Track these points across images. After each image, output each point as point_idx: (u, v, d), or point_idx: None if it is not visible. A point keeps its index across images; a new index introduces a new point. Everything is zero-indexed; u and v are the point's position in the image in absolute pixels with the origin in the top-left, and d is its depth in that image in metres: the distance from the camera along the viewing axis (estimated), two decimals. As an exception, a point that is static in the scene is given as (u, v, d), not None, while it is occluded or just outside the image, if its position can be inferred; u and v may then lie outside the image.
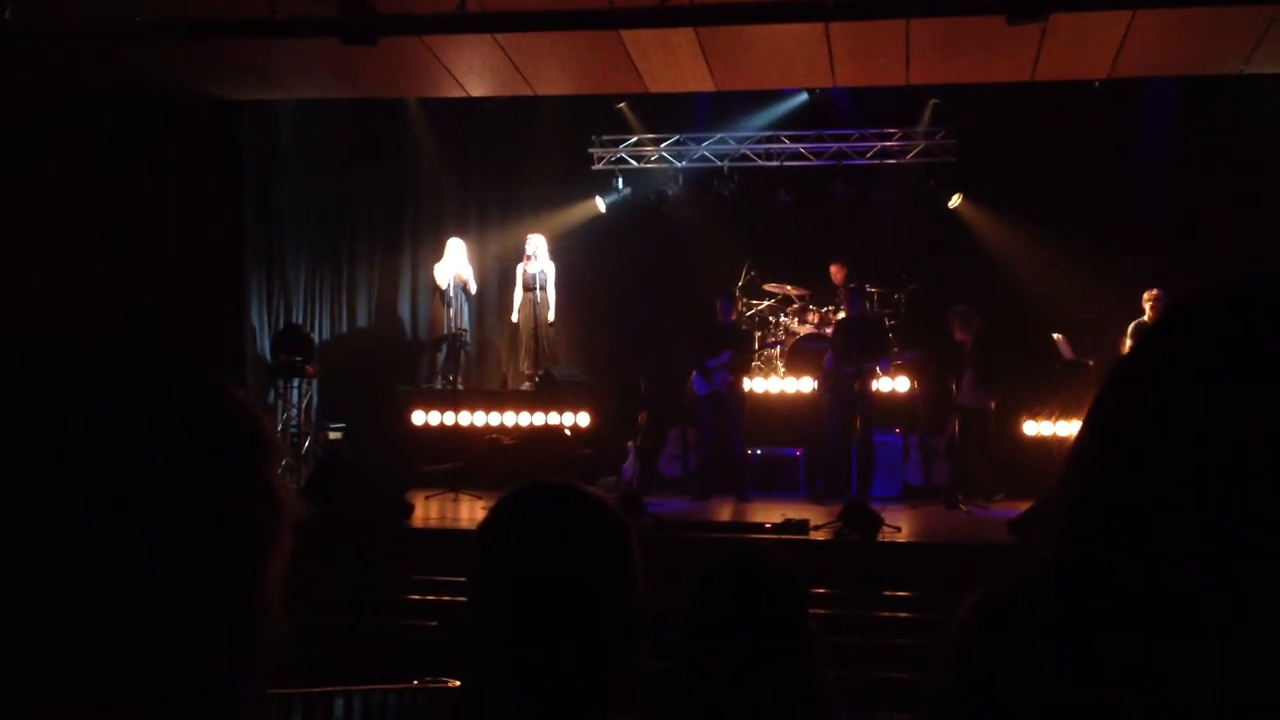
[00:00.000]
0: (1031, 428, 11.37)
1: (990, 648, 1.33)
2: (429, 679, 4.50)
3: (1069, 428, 11.02)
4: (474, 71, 10.96)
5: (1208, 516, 0.58)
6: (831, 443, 11.19)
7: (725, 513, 10.55)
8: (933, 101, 12.96)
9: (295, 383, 12.16)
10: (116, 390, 0.83)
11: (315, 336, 12.98)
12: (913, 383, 12.09)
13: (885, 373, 11.67)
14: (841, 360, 11.00)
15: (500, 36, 9.84)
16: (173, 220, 11.39)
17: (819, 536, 8.95)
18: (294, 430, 12.09)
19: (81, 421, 0.80)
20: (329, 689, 4.27)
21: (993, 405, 11.14)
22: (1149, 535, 0.60)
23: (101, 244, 10.94)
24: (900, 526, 9.23)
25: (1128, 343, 10.77)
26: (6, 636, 0.76)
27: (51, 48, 9.70)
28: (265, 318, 12.84)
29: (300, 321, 13.05)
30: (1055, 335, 11.55)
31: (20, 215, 9.88)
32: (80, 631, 0.77)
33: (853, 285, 11.81)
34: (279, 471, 0.88)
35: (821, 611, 7.43)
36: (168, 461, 0.81)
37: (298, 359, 12.03)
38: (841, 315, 11.90)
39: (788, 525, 9.05)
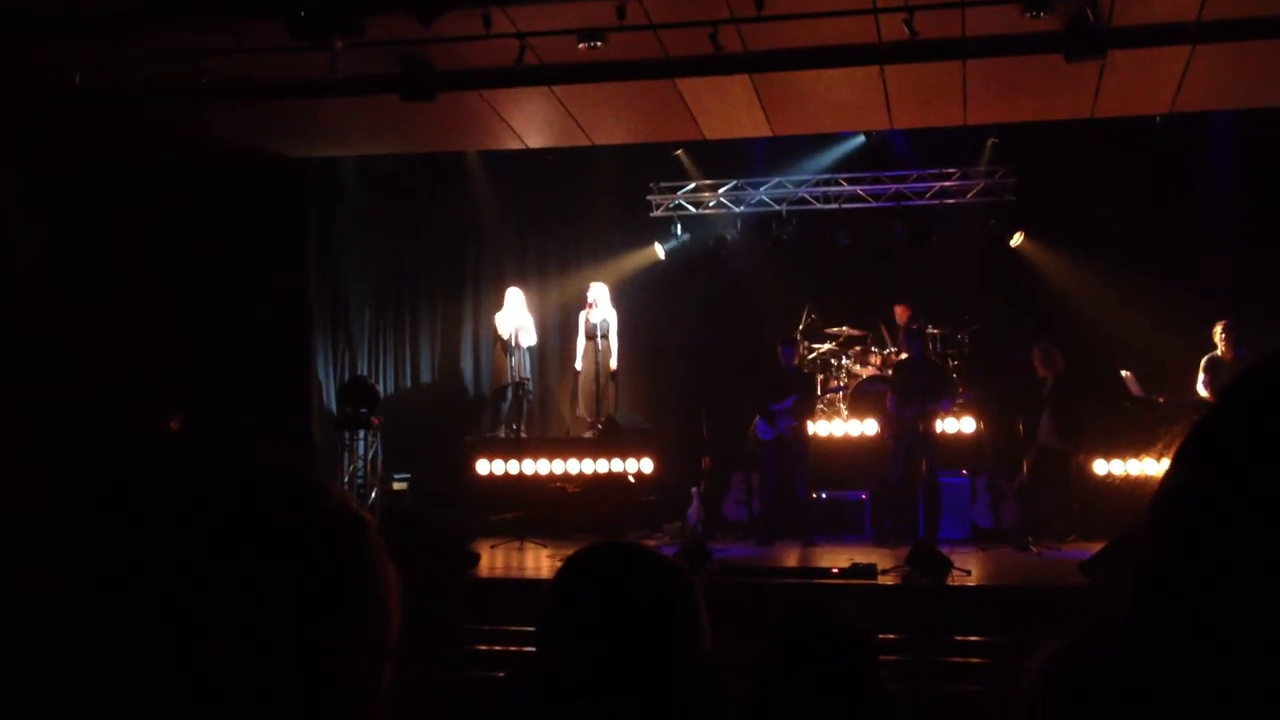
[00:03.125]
0: (1101, 466, 11.18)
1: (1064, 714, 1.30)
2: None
3: (1139, 466, 10.84)
4: (531, 123, 11.08)
5: None
6: (897, 485, 11.09)
7: (791, 558, 10.46)
8: (991, 140, 12.90)
9: (361, 434, 12.28)
10: (238, 500, 0.85)
11: (380, 388, 13.10)
12: (979, 423, 11.96)
13: (947, 413, 11.56)
14: (903, 402, 10.92)
15: (557, 88, 9.95)
16: (240, 276, 11.58)
17: (887, 581, 8.85)
18: (360, 481, 12.19)
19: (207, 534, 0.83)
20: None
21: (1072, 448, 10.97)
22: (1245, 585, 0.59)
23: (170, 300, 11.14)
24: (970, 569, 9.11)
25: (1201, 376, 10.59)
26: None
27: (119, 110, 9.94)
28: (331, 370, 12.99)
29: (365, 373, 13.19)
30: (1123, 372, 11.39)
31: (92, 274, 10.10)
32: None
33: (914, 326, 11.73)
34: (388, 571, 0.90)
35: (891, 658, 7.33)
36: (280, 569, 0.83)
37: (363, 410, 12.15)
38: (903, 357, 11.82)
39: (855, 570, 8.95)
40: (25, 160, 9.75)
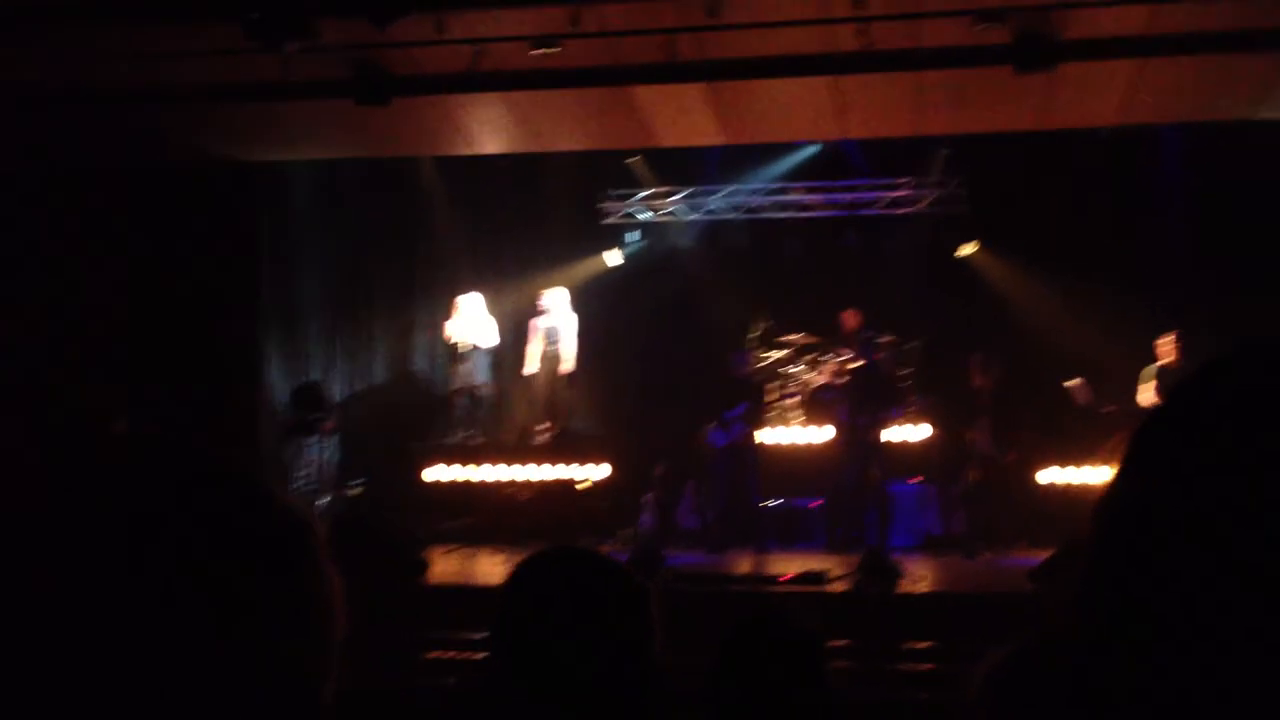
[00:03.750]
0: (1048, 475, 11.31)
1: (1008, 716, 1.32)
2: (448, 738, 4.47)
3: (1085, 474, 10.97)
4: (486, 130, 11.07)
5: (1256, 573, 0.57)
6: (849, 493, 11.15)
7: (744, 565, 10.49)
8: (943, 151, 13.01)
9: (313, 439, 12.18)
10: (179, 501, 0.85)
11: (334, 393, 13.01)
12: (930, 431, 12.05)
13: (897, 421, 11.64)
14: (855, 410, 10.99)
15: (511, 95, 9.94)
16: (189, 279, 11.47)
17: (838, 588, 8.90)
18: (312, 487, 12.09)
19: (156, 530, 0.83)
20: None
21: (1012, 456, 11.09)
22: (1191, 590, 0.59)
23: (120, 301, 11.01)
24: (921, 576, 9.17)
25: (1141, 387, 10.73)
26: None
27: (70, 110, 9.83)
28: (283, 374, 12.89)
29: (318, 378, 13.09)
30: (1069, 382, 11.52)
31: (43, 271, 9.97)
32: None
33: (866, 334, 11.81)
34: (329, 571, 0.91)
35: (842, 664, 7.37)
36: (224, 570, 0.84)
37: (314, 416, 12.06)
38: (855, 366, 11.90)
39: (805, 577, 8.99)
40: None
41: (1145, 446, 0.68)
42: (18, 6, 8.06)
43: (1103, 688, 0.65)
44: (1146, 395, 10.73)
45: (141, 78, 9.03)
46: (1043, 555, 9.38)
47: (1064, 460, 11.23)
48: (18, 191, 9.84)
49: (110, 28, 8.40)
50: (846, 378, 11.75)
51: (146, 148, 10.88)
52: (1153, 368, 10.72)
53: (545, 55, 8.75)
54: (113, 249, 10.79)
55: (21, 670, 0.79)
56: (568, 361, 12.99)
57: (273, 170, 12.53)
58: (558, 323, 12.98)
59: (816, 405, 12.47)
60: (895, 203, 13.51)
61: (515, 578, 1.69)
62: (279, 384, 12.79)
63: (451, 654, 8.06)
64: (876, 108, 10.41)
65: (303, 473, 12.07)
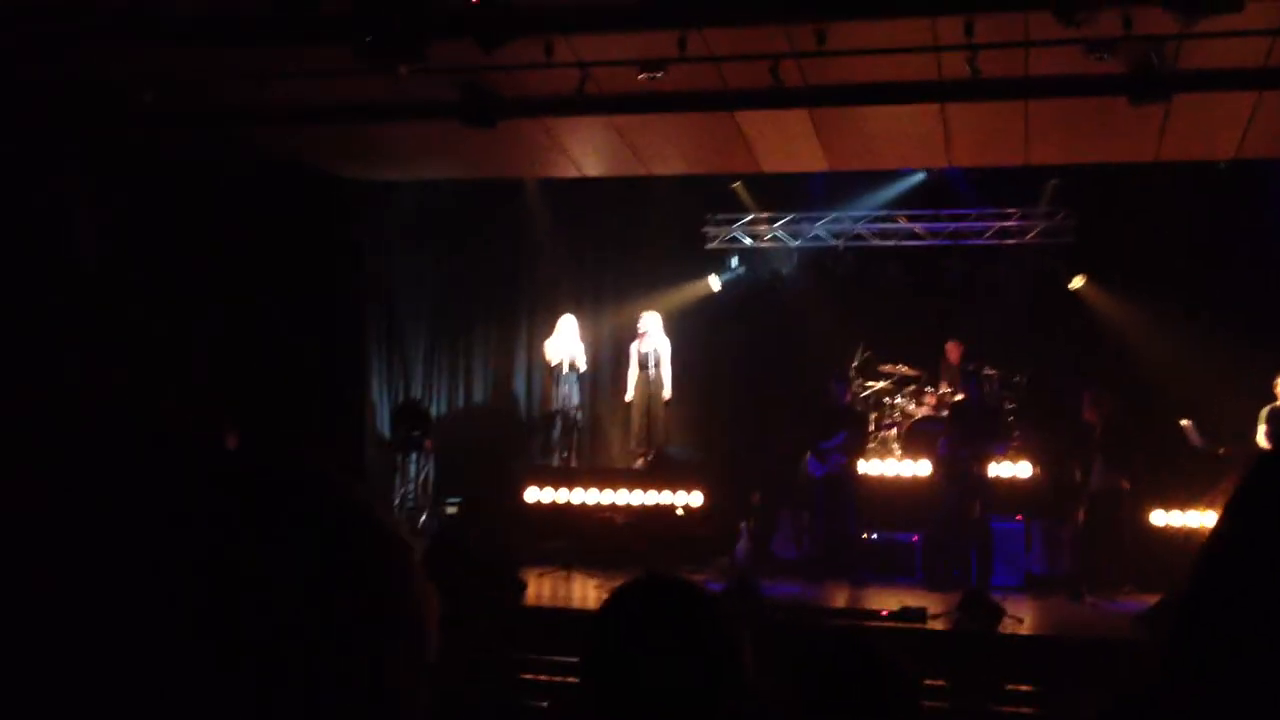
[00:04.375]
0: (1159, 517, 10.98)
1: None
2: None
3: (1198, 518, 10.63)
4: (590, 152, 11.13)
5: None
6: (949, 529, 10.94)
7: (840, 598, 10.35)
8: (1053, 181, 12.78)
9: (413, 457, 12.32)
10: (286, 516, 0.87)
11: (434, 411, 13.16)
12: (1034, 468, 11.79)
13: (1001, 457, 11.42)
14: (956, 444, 10.80)
15: (616, 118, 9.99)
16: (297, 296, 11.69)
17: (937, 626, 8.73)
18: (411, 504, 12.23)
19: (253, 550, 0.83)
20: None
21: (1125, 487, 10.77)
22: None
23: (228, 320, 11.25)
24: (1022, 618, 8.96)
25: (1262, 428, 10.39)
26: None
27: (184, 130, 10.09)
28: (386, 392, 13.07)
29: (419, 396, 13.25)
30: (1182, 421, 11.19)
31: (155, 290, 10.23)
32: None
33: (970, 367, 11.62)
34: (427, 594, 0.92)
35: (938, 705, 7.23)
36: (321, 586, 0.84)
37: (415, 433, 12.21)
38: (959, 398, 11.71)
39: (904, 613, 8.84)
40: (92, 171, 9.91)
41: (1251, 493, 0.64)
42: (138, 29, 8.29)
43: None
44: (1264, 437, 10.40)
45: (253, 97, 9.25)
46: (1151, 600, 9.11)
47: (1175, 502, 10.89)
48: (130, 212, 10.12)
49: (224, 49, 8.61)
50: (949, 411, 11.57)
51: (255, 167, 11.13)
52: (1271, 408, 10.38)
53: (651, 79, 8.78)
54: (221, 268, 11.03)
55: (131, 672, 0.80)
56: (666, 387, 12.99)
57: (378, 190, 12.74)
58: (655, 347, 12.99)
59: (917, 437, 12.29)
60: (1002, 233, 13.30)
61: (609, 605, 1.67)
62: (381, 402, 12.97)
63: (545, 676, 8.06)
64: (984, 136, 10.27)
65: (403, 490, 12.22)
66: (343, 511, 0.89)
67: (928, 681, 7.47)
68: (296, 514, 0.86)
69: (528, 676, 8.18)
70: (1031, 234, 13.19)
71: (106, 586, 0.81)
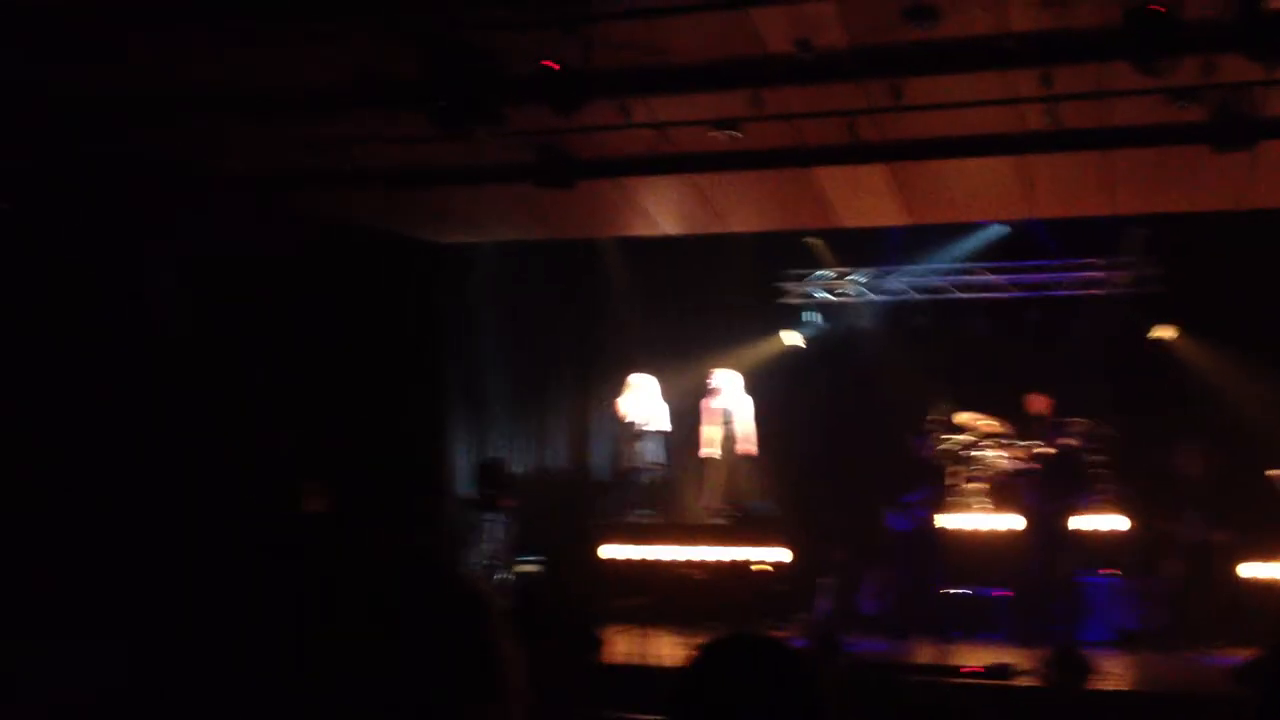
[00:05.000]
0: (1249, 569, 10.70)
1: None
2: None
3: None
4: (667, 211, 11.20)
5: None
6: (1037, 583, 10.74)
7: (926, 654, 10.18)
8: (1138, 230, 12.61)
9: (494, 515, 12.38)
10: (375, 582, 0.91)
11: (514, 469, 13.23)
12: (1127, 521, 11.55)
13: (1089, 510, 11.20)
14: (1043, 498, 10.62)
15: (692, 176, 10.04)
16: (377, 359, 11.84)
17: (1025, 683, 8.55)
18: (489, 563, 12.27)
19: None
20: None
21: (1219, 539, 10.54)
22: None
23: (311, 385, 11.42)
24: (1114, 673, 8.75)
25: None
26: None
27: (263, 196, 10.32)
28: (466, 451, 13.17)
29: (499, 455, 13.34)
30: (1270, 472, 10.93)
31: (237, 352, 10.43)
32: None
33: (1054, 419, 11.45)
34: (510, 649, 0.95)
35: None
36: (413, 644, 0.88)
37: (496, 492, 12.27)
38: (1045, 451, 11.53)
39: (991, 670, 8.67)
40: (171, 241, 10.16)
41: None
42: (214, 95, 8.52)
43: None
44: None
45: (332, 163, 9.44)
46: (1244, 653, 8.85)
47: (1266, 554, 10.61)
48: (212, 282, 10.35)
49: (302, 115, 8.81)
50: (1035, 464, 11.39)
51: (335, 230, 11.33)
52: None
53: (727, 138, 8.83)
54: (303, 330, 11.22)
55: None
56: (746, 442, 12.95)
57: (457, 251, 12.91)
58: (730, 403, 12.97)
59: (1003, 491, 12.11)
60: (1086, 283, 13.12)
61: (698, 661, 1.68)
62: (462, 462, 13.07)
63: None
64: (1065, 187, 10.18)
65: (484, 548, 12.27)
66: (423, 572, 0.91)
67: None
68: (378, 577, 0.89)
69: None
70: (1117, 284, 13.00)
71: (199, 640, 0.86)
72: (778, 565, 11.88)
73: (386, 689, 0.85)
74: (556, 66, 7.59)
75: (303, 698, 0.83)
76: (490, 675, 0.90)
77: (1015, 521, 11.48)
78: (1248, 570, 10.70)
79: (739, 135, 8.76)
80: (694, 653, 1.71)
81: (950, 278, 13.60)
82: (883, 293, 13.89)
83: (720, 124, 8.76)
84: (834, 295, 14.06)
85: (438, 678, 0.86)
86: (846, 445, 13.31)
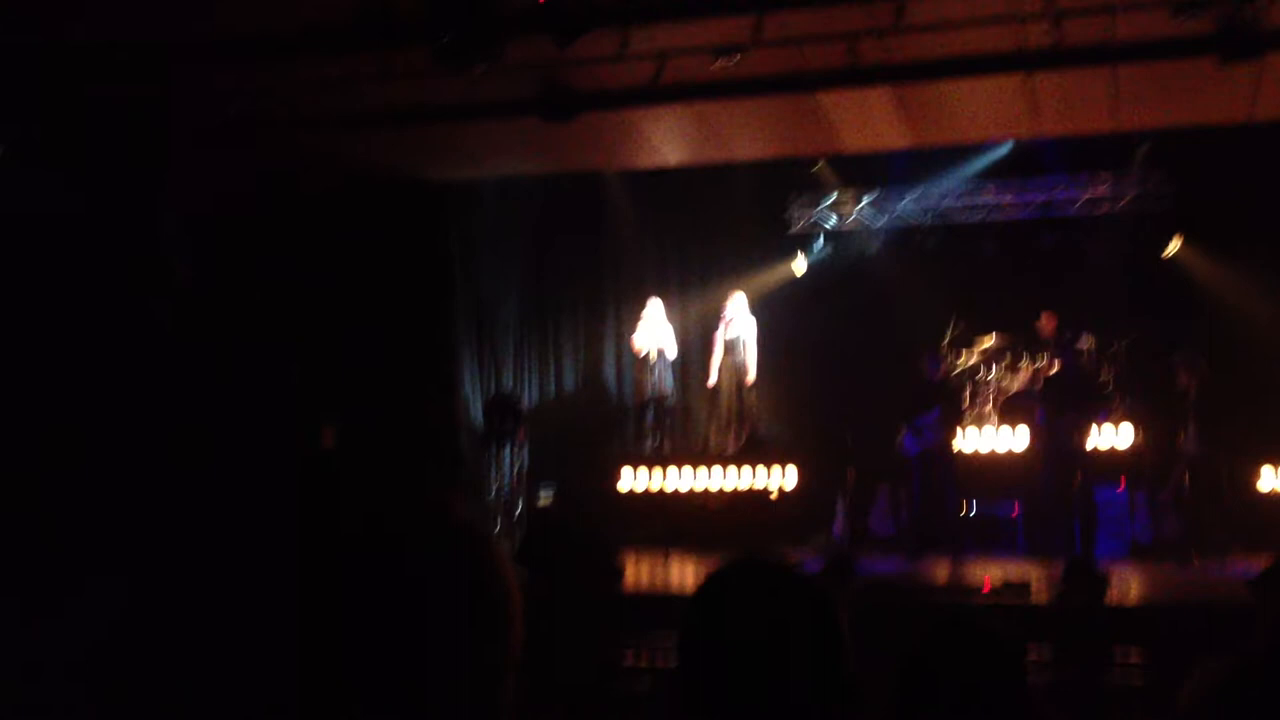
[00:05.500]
0: (1267, 480, 10.75)
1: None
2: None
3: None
4: (670, 141, 11.14)
5: None
6: (1050, 499, 10.81)
7: (940, 573, 10.28)
8: (1145, 146, 12.52)
9: (507, 447, 12.46)
10: (374, 514, 0.93)
11: (525, 401, 13.29)
12: (1136, 435, 11.60)
13: (1101, 425, 11.25)
14: (1054, 414, 10.66)
15: (695, 106, 9.98)
16: (387, 295, 11.87)
17: (1041, 598, 8.64)
18: (506, 495, 12.37)
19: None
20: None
21: (1222, 452, 10.59)
22: None
23: (322, 322, 11.46)
24: (1129, 586, 8.83)
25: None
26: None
27: (269, 139, 10.29)
28: (477, 384, 13.23)
29: (510, 387, 13.40)
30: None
31: (247, 293, 10.46)
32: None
33: (1066, 336, 11.46)
34: (508, 578, 0.97)
35: (1046, 679, 7.17)
36: (409, 579, 0.90)
37: (508, 424, 12.33)
38: (1054, 369, 11.55)
39: (1007, 587, 8.76)
40: (181, 185, 10.16)
41: None
42: (220, 39, 8.48)
43: None
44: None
45: (333, 103, 9.40)
46: (1261, 562, 8.92)
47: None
48: (221, 223, 10.35)
49: (305, 56, 8.76)
50: (1045, 382, 11.42)
51: (338, 170, 11.31)
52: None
53: (728, 65, 8.76)
54: (310, 269, 11.24)
55: (227, 660, 0.87)
56: (751, 370, 12.98)
57: (462, 187, 12.87)
58: (741, 331, 12.99)
59: (1014, 410, 12.16)
60: (1094, 201, 13.05)
61: (705, 587, 1.70)
62: (474, 395, 13.13)
63: (646, 660, 8.12)
64: (1071, 104, 10.09)
65: (498, 481, 12.36)
66: (422, 507, 0.94)
67: (1034, 656, 7.41)
68: (375, 513, 0.92)
69: (628, 661, 8.25)
70: (1124, 200, 12.93)
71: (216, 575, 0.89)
72: (792, 490, 11.97)
73: (383, 624, 0.88)
74: (553, -1, 7.53)
75: (301, 635, 0.86)
76: (490, 607, 0.93)
77: (1027, 439, 11.54)
78: (1263, 481, 10.77)
79: (739, 61, 8.68)
80: (704, 577, 1.73)
81: (957, 200, 13.54)
82: (890, 217, 13.83)
83: (721, 51, 8.69)
84: (841, 221, 14.01)
85: (437, 611, 0.89)
86: (858, 369, 13.33)
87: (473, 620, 0.92)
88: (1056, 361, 11.37)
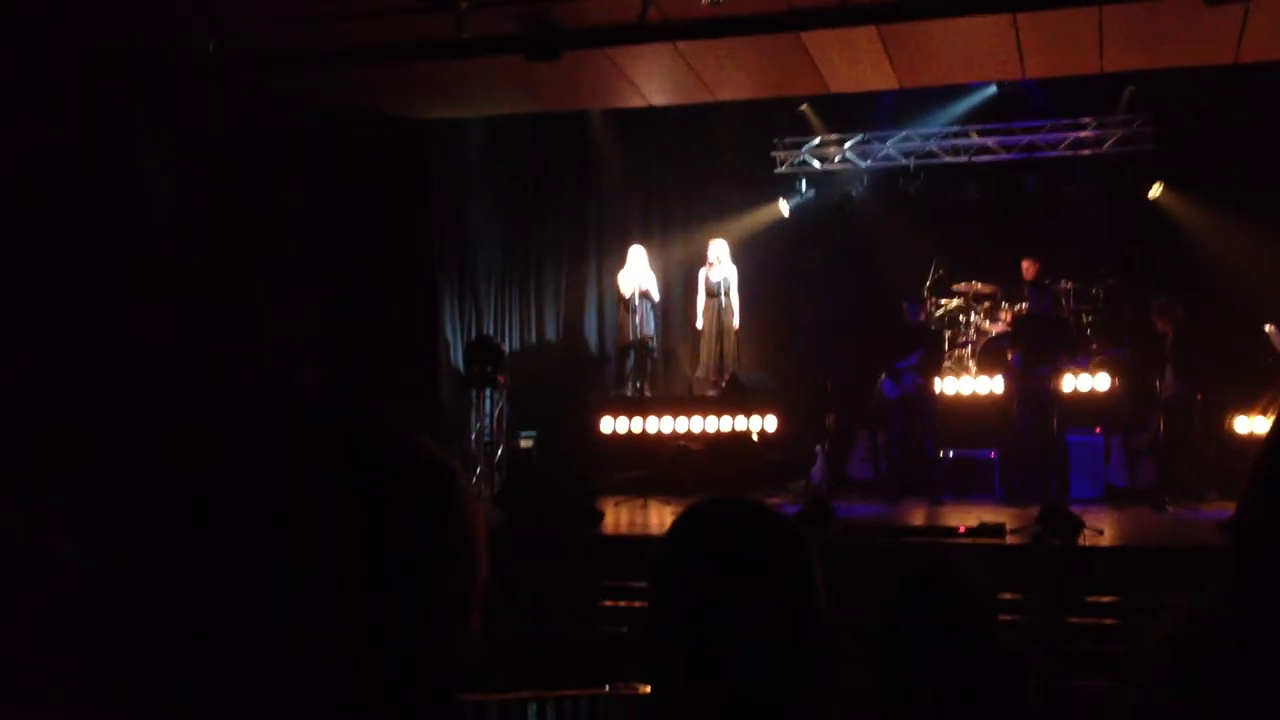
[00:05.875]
0: (1243, 424, 10.83)
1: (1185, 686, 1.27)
2: (620, 685, 4.55)
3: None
4: (655, 81, 11.04)
5: None
6: (1025, 444, 10.89)
7: (918, 517, 10.36)
8: (1129, 88, 12.48)
9: (487, 392, 12.45)
10: (341, 460, 0.92)
11: (506, 346, 13.27)
12: (1113, 380, 11.66)
13: (1077, 370, 11.31)
14: (1029, 359, 10.72)
15: (681, 45, 9.89)
16: (368, 237, 11.80)
17: (1016, 541, 8.71)
18: (487, 439, 12.37)
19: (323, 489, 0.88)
20: (522, 694, 4.35)
21: (1198, 398, 10.66)
22: None
23: (301, 264, 11.39)
24: (1103, 529, 8.91)
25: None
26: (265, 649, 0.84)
27: (249, 76, 10.17)
28: (458, 328, 13.19)
29: (491, 332, 13.36)
30: (1267, 327, 10.98)
31: (224, 235, 10.37)
32: (319, 649, 0.85)
33: (1045, 282, 11.48)
34: (472, 509, 0.96)
35: (1020, 618, 7.24)
36: (372, 514, 0.89)
37: (489, 369, 12.31)
38: (1025, 312, 11.59)
39: (983, 529, 8.83)
40: (159, 124, 10.04)
41: None
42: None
43: (1263, 636, 0.63)
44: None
45: (315, 39, 9.28)
46: (1234, 508, 9.00)
47: (1259, 408, 10.73)
48: (200, 161, 10.24)
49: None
50: (1023, 326, 11.45)
51: (321, 108, 11.19)
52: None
53: (714, 3, 8.67)
54: (291, 207, 11.15)
55: (194, 604, 0.85)
56: (735, 314, 12.98)
57: (445, 127, 12.75)
58: (725, 275, 12.98)
59: (992, 354, 12.20)
60: (1078, 144, 13.02)
61: (675, 527, 1.69)
62: (455, 339, 13.10)
63: (625, 603, 8.17)
64: (1056, 45, 10.01)
65: (478, 425, 12.36)
66: (387, 443, 0.93)
67: (1009, 597, 7.48)
68: (343, 449, 0.90)
69: (607, 604, 8.30)
70: (1108, 143, 12.90)
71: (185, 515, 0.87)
72: (769, 434, 12.01)
73: (339, 548, 0.87)
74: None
75: (255, 568, 0.85)
76: (454, 540, 0.92)
77: (1003, 384, 11.58)
78: (1239, 425, 10.84)
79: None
80: (673, 519, 1.73)
81: (941, 142, 13.49)
82: (874, 159, 13.78)
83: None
84: (825, 163, 13.95)
85: (397, 539, 0.88)
86: (839, 313, 13.35)
87: (435, 551, 0.91)
88: (1031, 306, 11.40)
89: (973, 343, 12.59)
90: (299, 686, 0.85)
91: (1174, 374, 10.65)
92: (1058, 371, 10.75)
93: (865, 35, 9.59)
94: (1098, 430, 11.34)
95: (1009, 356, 11.14)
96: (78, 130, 9.34)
